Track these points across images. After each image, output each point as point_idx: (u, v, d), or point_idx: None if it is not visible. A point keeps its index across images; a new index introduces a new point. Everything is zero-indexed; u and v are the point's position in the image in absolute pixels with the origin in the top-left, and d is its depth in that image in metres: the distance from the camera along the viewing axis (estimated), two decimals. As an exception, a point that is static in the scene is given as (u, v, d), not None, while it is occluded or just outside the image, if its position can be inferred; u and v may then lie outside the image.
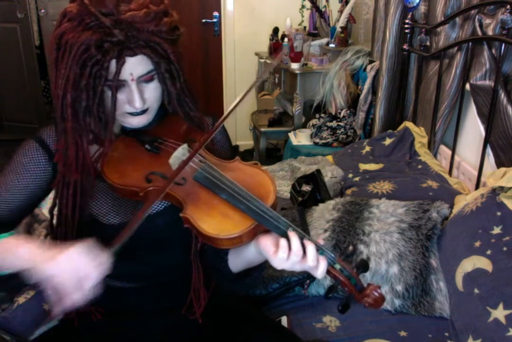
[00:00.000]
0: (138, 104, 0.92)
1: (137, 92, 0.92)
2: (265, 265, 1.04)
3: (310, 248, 0.85)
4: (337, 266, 0.88)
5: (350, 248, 0.90)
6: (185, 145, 0.96)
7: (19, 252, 0.88)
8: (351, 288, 0.88)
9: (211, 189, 0.90)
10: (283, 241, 0.84)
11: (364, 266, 0.90)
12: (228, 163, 0.97)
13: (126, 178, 0.93)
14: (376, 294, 0.87)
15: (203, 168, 0.92)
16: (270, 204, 0.88)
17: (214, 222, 0.86)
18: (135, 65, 0.90)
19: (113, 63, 0.88)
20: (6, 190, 1.00)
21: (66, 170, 0.96)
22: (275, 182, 0.92)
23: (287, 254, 0.84)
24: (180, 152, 0.95)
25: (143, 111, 0.96)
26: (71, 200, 0.97)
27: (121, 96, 0.93)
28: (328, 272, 0.88)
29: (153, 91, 0.95)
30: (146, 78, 0.93)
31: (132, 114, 0.96)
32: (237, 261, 1.00)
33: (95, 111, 0.91)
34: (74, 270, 0.81)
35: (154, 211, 1.02)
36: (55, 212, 1.03)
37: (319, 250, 0.86)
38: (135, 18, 0.88)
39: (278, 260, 0.85)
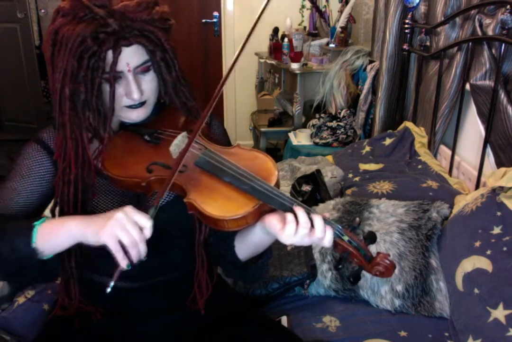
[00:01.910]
0: (136, 96, 0.92)
1: (134, 83, 0.92)
2: (271, 254, 1.05)
3: (317, 219, 0.86)
4: (345, 238, 0.88)
5: (357, 219, 0.91)
6: (184, 133, 0.97)
7: (66, 230, 0.87)
8: (360, 259, 0.88)
9: (213, 173, 0.91)
10: (289, 215, 0.85)
11: (371, 236, 0.90)
12: (228, 149, 0.98)
13: (127, 170, 0.94)
14: (387, 261, 0.87)
15: (205, 154, 0.93)
16: (273, 183, 0.89)
17: (218, 204, 0.87)
18: (131, 56, 0.90)
19: (110, 53, 0.88)
20: (17, 194, 1.00)
21: (66, 166, 0.96)
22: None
23: (295, 227, 0.85)
24: (180, 140, 0.95)
25: (141, 104, 0.97)
26: (72, 198, 0.97)
27: (118, 89, 0.93)
28: (336, 244, 0.88)
29: (149, 83, 0.96)
30: (142, 69, 0.94)
31: (130, 107, 0.96)
32: (244, 246, 1.00)
33: (94, 104, 0.91)
34: (125, 230, 0.81)
35: None
36: (57, 211, 1.03)
37: (326, 221, 0.87)
38: (128, 8, 0.89)
39: (286, 235, 0.85)
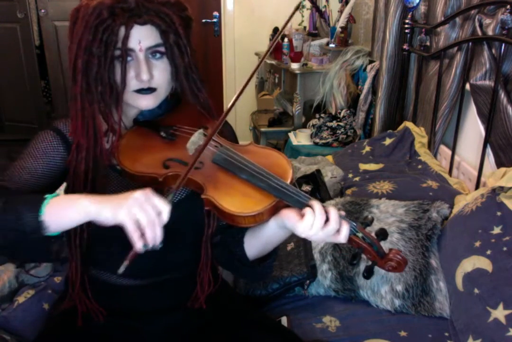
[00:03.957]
0: (145, 76, 0.93)
1: (145, 63, 0.93)
2: (277, 255, 1.08)
3: (333, 211, 0.89)
4: (359, 234, 0.92)
5: (370, 217, 0.95)
6: (200, 130, 0.98)
7: (79, 205, 0.82)
8: (374, 255, 0.92)
9: (230, 170, 0.93)
10: (307, 208, 0.89)
11: (383, 233, 0.93)
12: (243, 146, 1.00)
13: (143, 165, 0.95)
14: (399, 256, 0.91)
15: (221, 151, 0.95)
16: (289, 181, 0.92)
17: (236, 200, 0.89)
18: (144, 35, 0.92)
19: (123, 29, 0.90)
20: (28, 173, 0.98)
21: (77, 142, 0.95)
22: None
23: (312, 219, 0.88)
24: (197, 137, 0.97)
25: (151, 91, 0.96)
26: (83, 177, 0.96)
27: (129, 70, 0.94)
28: (351, 240, 0.92)
29: (162, 71, 0.96)
30: (153, 51, 0.94)
31: (140, 92, 0.96)
32: (254, 242, 1.03)
33: (106, 78, 0.92)
34: (143, 210, 0.79)
35: None
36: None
37: (342, 217, 0.91)
38: None
39: (303, 227, 0.88)
